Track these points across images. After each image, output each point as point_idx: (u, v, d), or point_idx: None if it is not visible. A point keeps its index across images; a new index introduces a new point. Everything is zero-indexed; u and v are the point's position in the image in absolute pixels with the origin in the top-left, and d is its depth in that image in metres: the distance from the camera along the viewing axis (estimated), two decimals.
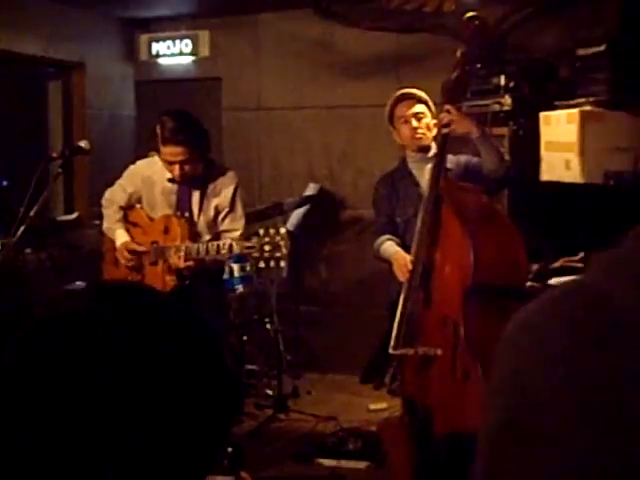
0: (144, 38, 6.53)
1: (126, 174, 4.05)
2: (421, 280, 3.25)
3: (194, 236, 3.79)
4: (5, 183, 5.72)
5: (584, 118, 3.95)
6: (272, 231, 3.43)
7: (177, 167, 3.70)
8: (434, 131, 3.79)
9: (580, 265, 3.92)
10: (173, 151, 3.68)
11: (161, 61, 6.55)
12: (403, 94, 3.84)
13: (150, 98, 6.59)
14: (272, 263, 3.43)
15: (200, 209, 3.85)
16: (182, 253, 3.61)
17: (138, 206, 3.99)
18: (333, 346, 5.95)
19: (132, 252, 3.87)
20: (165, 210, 3.88)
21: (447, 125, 3.44)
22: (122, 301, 0.87)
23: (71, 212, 5.92)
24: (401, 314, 3.30)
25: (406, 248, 3.59)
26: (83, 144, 3.77)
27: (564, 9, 4.95)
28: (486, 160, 3.54)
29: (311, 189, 5.81)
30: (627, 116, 4.00)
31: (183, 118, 3.74)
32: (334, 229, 6.01)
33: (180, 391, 0.83)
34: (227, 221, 3.88)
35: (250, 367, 5.44)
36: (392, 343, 3.29)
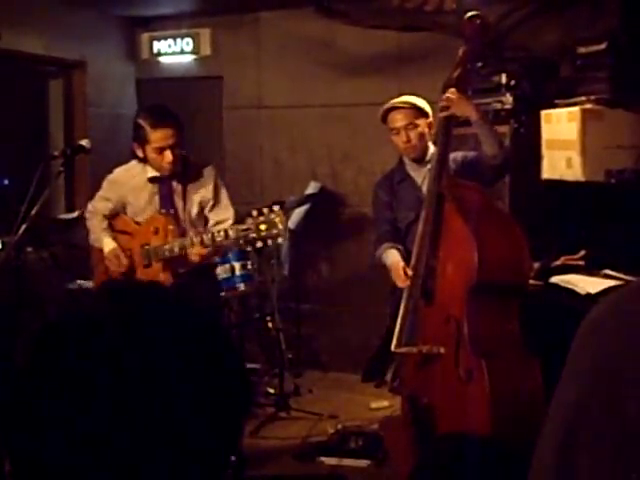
0: (145, 37, 6.53)
1: (105, 184, 4.01)
2: (424, 278, 3.25)
3: (183, 233, 3.78)
4: (6, 182, 5.72)
5: (585, 116, 3.95)
6: (266, 210, 3.41)
7: (169, 152, 3.68)
8: (429, 136, 3.78)
9: (582, 263, 3.92)
10: (165, 134, 3.66)
11: (162, 60, 6.55)
12: (392, 106, 3.82)
13: (151, 97, 6.58)
14: (270, 242, 3.40)
15: (184, 206, 3.84)
16: (197, 239, 3.59)
17: (122, 214, 3.96)
18: (334, 344, 5.95)
19: (120, 258, 3.86)
20: (150, 211, 3.86)
21: (447, 108, 3.42)
22: (134, 301, 0.87)
23: (72, 211, 5.92)
24: (403, 312, 3.31)
25: (408, 252, 3.59)
26: (84, 143, 3.78)
27: (565, 7, 4.94)
28: (485, 144, 3.51)
29: (312, 188, 5.81)
30: (628, 114, 4.00)
31: (162, 106, 3.82)
32: (335, 227, 6.01)
33: (196, 388, 0.82)
34: (214, 213, 3.86)
35: (251, 365, 5.44)
36: (395, 341, 3.29)
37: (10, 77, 5.73)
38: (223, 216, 3.84)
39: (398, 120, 3.77)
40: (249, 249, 3.73)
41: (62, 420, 0.78)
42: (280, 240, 3.46)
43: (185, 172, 3.84)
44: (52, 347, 0.81)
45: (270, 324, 5.39)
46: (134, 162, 3.88)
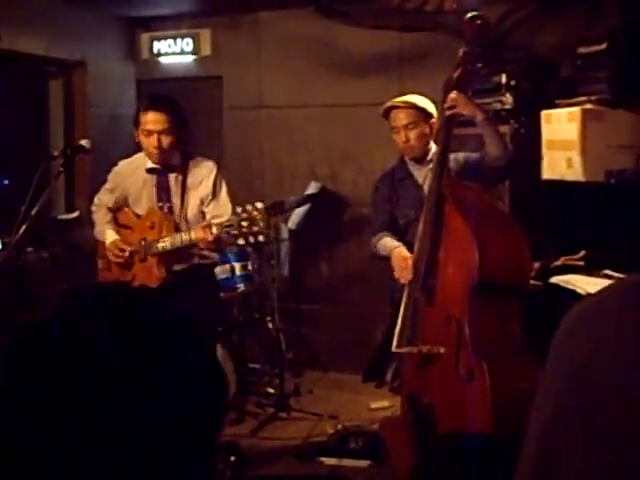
0: (145, 37, 6.53)
1: (110, 175, 4.07)
2: (424, 278, 3.25)
3: (178, 229, 3.78)
4: (6, 182, 5.72)
5: (585, 116, 3.95)
6: (249, 207, 3.41)
7: (155, 138, 3.69)
8: (430, 136, 3.78)
9: (582, 263, 3.92)
10: (155, 117, 3.68)
11: (162, 60, 6.55)
12: (393, 105, 3.83)
13: None
14: (251, 239, 3.39)
15: (182, 201, 3.84)
16: (205, 224, 3.58)
17: (126, 208, 3.99)
18: (334, 345, 5.95)
19: (122, 250, 3.88)
20: (148, 203, 3.88)
21: (452, 107, 3.42)
22: (111, 301, 0.87)
23: (72, 211, 5.92)
24: (404, 312, 3.31)
25: (407, 247, 3.60)
26: (84, 143, 3.78)
27: (565, 7, 4.94)
28: (490, 145, 3.51)
29: (312, 188, 5.81)
30: (628, 114, 4.00)
31: (166, 95, 3.89)
32: (335, 228, 6.01)
33: (168, 387, 0.83)
34: (211, 208, 3.84)
35: (252, 366, 5.44)
36: (395, 341, 3.29)
37: (10, 77, 5.73)
38: (219, 211, 3.80)
39: (398, 119, 3.77)
40: (234, 246, 3.71)
41: (49, 420, 0.78)
42: (261, 238, 3.43)
43: (186, 167, 3.84)
44: (35, 348, 0.81)
45: (270, 324, 5.39)
46: (140, 154, 3.90)
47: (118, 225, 4.00)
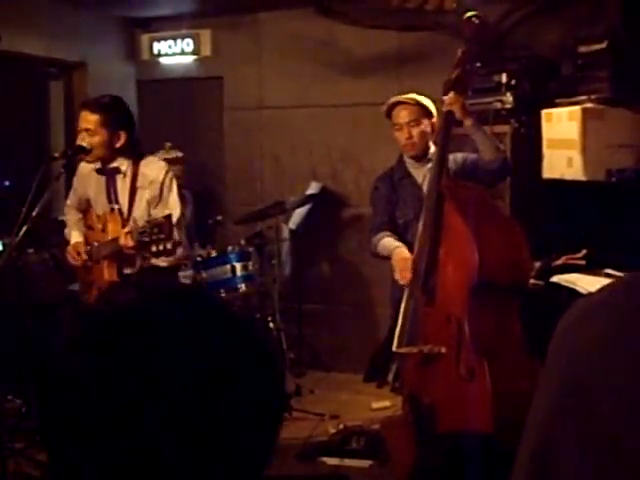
0: (145, 37, 6.53)
1: (74, 177, 4.05)
2: (424, 278, 3.25)
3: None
4: (7, 183, 5.72)
5: (586, 115, 3.95)
6: (160, 215, 3.42)
7: (80, 136, 3.70)
8: (430, 135, 3.79)
9: (583, 262, 3.92)
10: (82, 115, 3.70)
11: (162, 60, 6.55)
12: (397, 101, 3.84)
13: (152, 98, 6.59)
14: (160, 247, 3.35)
15: (131, 202, 3.79)
16: (127, 230, 3.53)
17: (91, 209, 3.97)
18: (336, 345, 5.95)
19: (78, 253, 3.87)
20: (102, 204, 3.86)
21: (449, 107, 3.42)
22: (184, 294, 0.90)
23: None
24: (404, 312, 3.31)
25: (407, 247, 3.60)
26: (85, 144, 3.77)
27: (565, 6, 4.94)
28: (483, 150, 3.54)
29: (313, 188, 5.81)
30: (628, 113, 4.00)
31: (114, 99, 3.80)
32: (336, 228, 6.01)
33: (232, 389, 0.83)
34: (158, 210, 3.75)
35: None
36: (396, 341, 3.29)
37: (11, 79, 5.74)
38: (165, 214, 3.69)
39: (402, 116, 3.78)
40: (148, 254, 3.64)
41: (103, 425, 0.78)
42: (169, 246, 3.41)
43: (135, 168, 3.80)
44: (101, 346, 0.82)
45: (271, 324, 5.39)
46: None
47: (85, 226, 4.00)
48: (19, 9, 5.39)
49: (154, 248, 3.37)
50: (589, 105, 4.01)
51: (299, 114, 6.06)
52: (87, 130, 3.68)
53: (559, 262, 3.97)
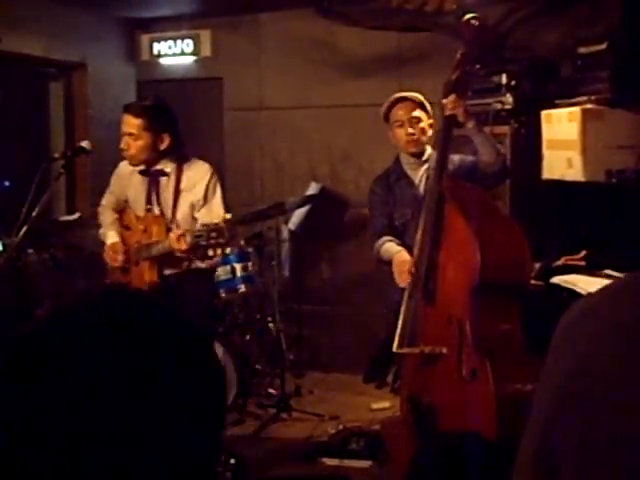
0: (145, 38, 6.53)
1: (112, 177, 4.08)
2: (425, 279, 3.25)
3: (168, 232, 3.76)
4: (7, 184, 5.72)
5: (585, 116, 3.95)
6: (218, 219, 3.43)
7: (123, 140, 3.71)
8: (429, 133, 3.81)
9: (583, 263, 3.92)
10: (125, 119, 3.71)
11: (162, 61, 6.55)
12: (399, 97, 3.85)
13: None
14: (218, 251, 3.39)
15: (174, 205, 3.81)
16: (179, 233, 3.54)
17: (129, 209, 3.99)
18: (335, 345, 5.95)
19: (117, 253, 3.89)
20: (142, 205, 3.88)
21: (452, 109, 3.42)
22: (125, 304, 0.88)
23: (73, 212, 5.93)
24: (405, 313, 3.30)
25: (406, 249, 3.60)
26: (85, 144, 3.78)
27: (565, 7, 4.94)
28: (482, 153, 3.54)
29: (313, 188, 5.81)
30: (628, 114, 4.00)
31: (157, 102, 3.81)
32: (336, 228, 6.01)
33: (167, 391, 0.83)
34: (202, 213, 3.78)
35: (253, 366, 5.44)
36: (396, 342, 3.29)
37: (11, 79, 5.74)
38: (210, 218, 3.69)
39: (403, 113, 3.78)
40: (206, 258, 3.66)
41: (52, 421, 0.78)
42: (228, 250, 3.44)
43: (180, 171, 3.82)
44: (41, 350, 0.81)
45: (271, 325, 5.39)
46: None
47: (122, 226, 4.01)
48: (19, 9, 5.39)
49: (211, 252, 3.40)
50: (589, 106, 4.01)
51: (299, 115, 6.06)
52: (130, 134, 3.69)
53: (559, 263, 3.97)
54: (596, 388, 0.65)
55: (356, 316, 5.92)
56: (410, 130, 3.77)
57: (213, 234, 3.38)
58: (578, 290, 3.57)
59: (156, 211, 3.83)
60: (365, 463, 4.20)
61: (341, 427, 4.61)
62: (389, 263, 3.65)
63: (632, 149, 3.96)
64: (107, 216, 4.05)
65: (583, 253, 3.96)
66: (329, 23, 5.78)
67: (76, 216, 5.69)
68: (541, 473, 0.69)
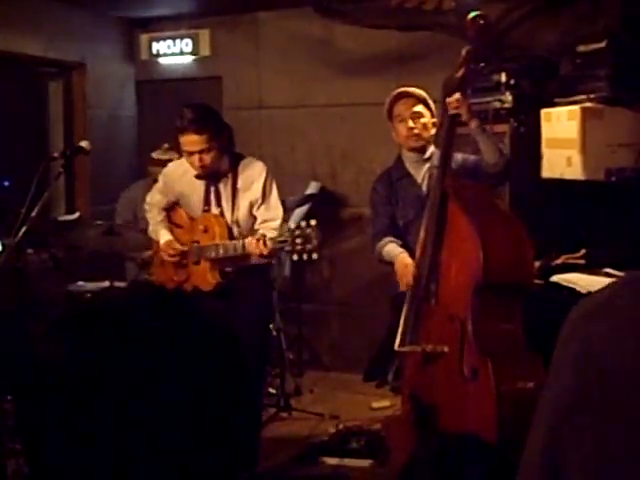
0: (144, 38, 6.53)
1: (160, 177, 4.11)
2: (427, 278, 3.25)
3: (231, 233, 3.80)
4: (6, 183, 5.72)
5: (585, 115, 3.95)
6: (303, 224, 3.42)
7: (196, 157, 3.69)
8: (432, 130, 3.79)
9: (582, 262, 3.92)
10: (191, 139, 3.66)
11: (161, 60, 6.55)
12: (402, 92, 3.84)
13: (151, 98, 6.59)
14: (305, 256, 3.40)
15: (233, 205, 3.83)
16: (257, 237, 3.56)
17: (179, 208, 4.02)
18: (335, 344, 5.95)
19: (175, 250, 3.91)
20: (199, 208, 3.89)
21: (456, 108, 3.41)
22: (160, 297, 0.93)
23: (72, 212, 5.92)
24: (407, 311, 3.30)
25: (407, 250, 3.60)
26: (84, 144, 3.78)
27: (564, 6, 4.94)
28: (485, 153, 3.52)
29: (312, 188, 5.81)
30: (628, 112, 4.00)
31: (203, 108, 3.77)
32: (336, 227, 6.00)
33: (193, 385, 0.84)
34: (262, 211, 3.83)
35: None
36: (398, 340, 3.28)
37: (10, 79, 5.73)
38: (269, 215, 3.82)
39: (405, 108, 3.77)
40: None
41: (66, 419, 0.78)
42: (315, 256, 3.43)
43: (236, 170, 3.84)
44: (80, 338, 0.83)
45: (271, 325, 5.39)
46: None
47: (171, 223, 4.03)
48: (18, 9, 5.39)
49: (295, 257, 3.41)
50: (588, 104, 4.01)
51: (298, 114, 6.06)
52: (201, 152, 3.67)
53: (559, 261, 3.97)
54: (612, 388, 0.64)
55: (356, 315, 5.92)
56: (411, 124, 3.75)
57: (299, 240, 3.38)
58: (578, 289, 3.57)
59: (215, 211, 3.84)
60: (365, 462, 4.20)
61: (341, 426, 4.60)
62: (390, 264, 3.65)
63: (632, 147, 3.96)
64: (155, 214, 4.06)
65: (583, 251, 3.96)
66: (328, 22, 5.77)
67: (75, 216, 5.68)
68: (548, 472, 0.69)
